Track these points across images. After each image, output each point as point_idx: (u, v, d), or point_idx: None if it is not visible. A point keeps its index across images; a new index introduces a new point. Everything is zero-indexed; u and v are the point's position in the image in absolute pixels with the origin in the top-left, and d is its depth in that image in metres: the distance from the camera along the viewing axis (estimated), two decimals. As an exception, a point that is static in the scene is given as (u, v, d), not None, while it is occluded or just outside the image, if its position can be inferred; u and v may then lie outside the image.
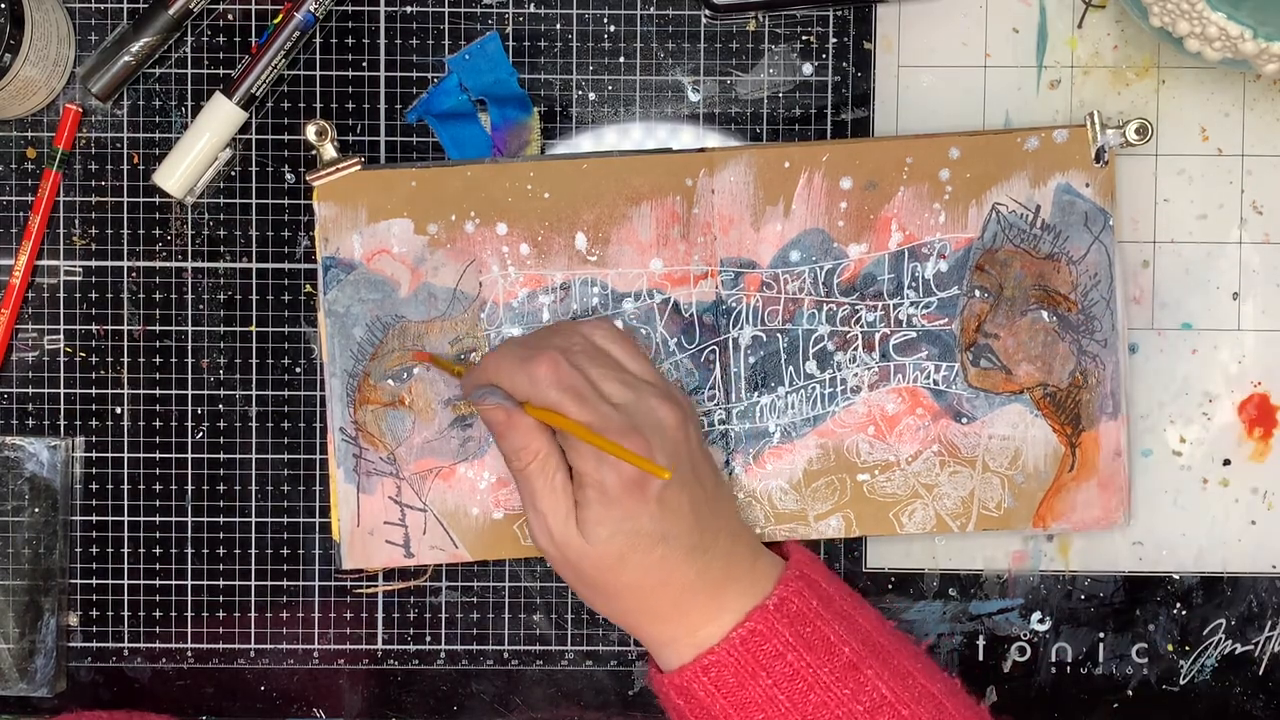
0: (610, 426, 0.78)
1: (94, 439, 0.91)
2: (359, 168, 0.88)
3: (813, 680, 0.80)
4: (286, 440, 0.91)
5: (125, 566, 0.91)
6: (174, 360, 0.91)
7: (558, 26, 0.91)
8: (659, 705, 0.84)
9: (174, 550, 0.91)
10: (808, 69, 0.91)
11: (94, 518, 0.91)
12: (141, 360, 0.91)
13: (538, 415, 0.80)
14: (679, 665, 0.81)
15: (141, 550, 0.91)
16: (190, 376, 0.91)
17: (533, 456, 0.80)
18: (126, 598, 0.91)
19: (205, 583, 0.91)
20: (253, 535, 0.91)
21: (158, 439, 0.91)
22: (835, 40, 0.91)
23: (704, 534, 0.81)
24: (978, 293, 0.89)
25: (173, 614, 0.91)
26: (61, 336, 0.91)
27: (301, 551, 0.91)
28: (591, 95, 0.91)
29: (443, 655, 0.92)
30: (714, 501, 0.83)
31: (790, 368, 0.89)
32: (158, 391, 0.91)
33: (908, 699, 0.81)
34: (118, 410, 0.91)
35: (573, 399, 0.79)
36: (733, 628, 0.81)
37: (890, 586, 0.92)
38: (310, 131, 0.88)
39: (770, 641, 0.80)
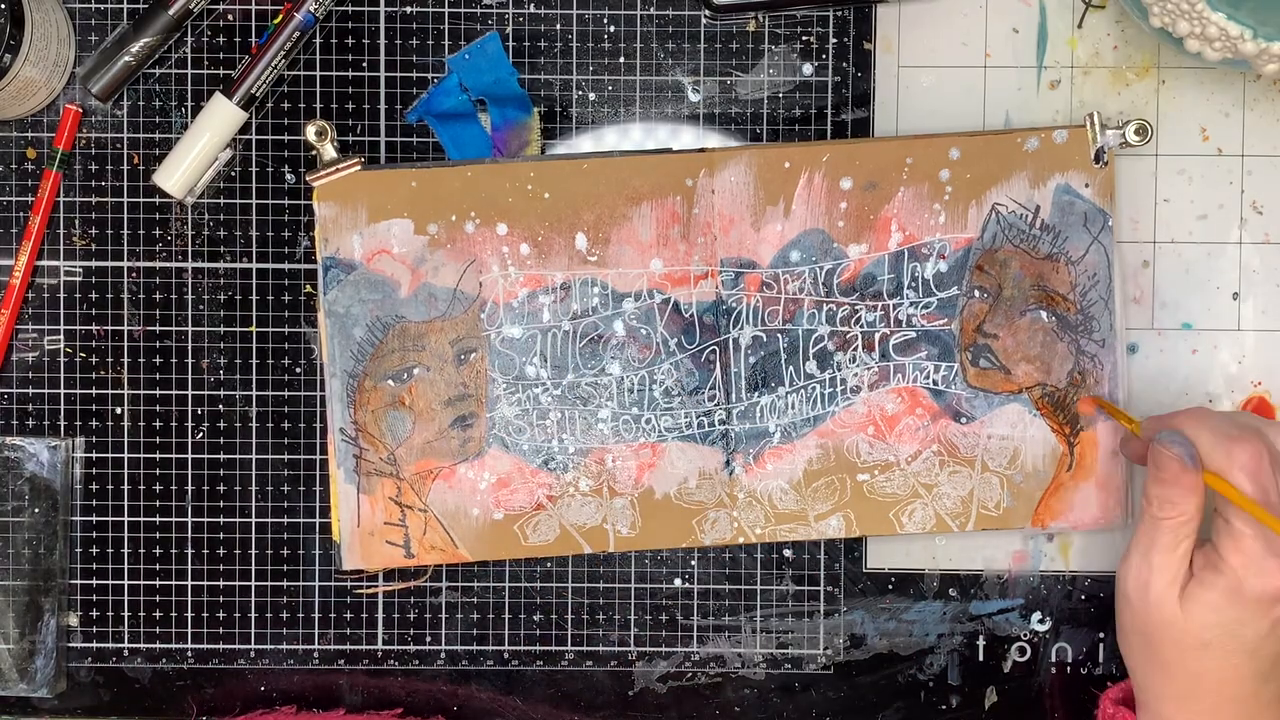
0: None
1: (94, 439, 0.91)
2: (359, 168, 0.88)
3: None
4: (286, 440, 0.91)
5: (125, 566, 0.91)
6: (174, 360, 0.91)
7: (558, 26, 0.91)
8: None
9: (174, 550, 0.91)
10: (808, 69, 0.91)
11: (94, 518, 0.91)
12: (141, 360, 0.91)
13: (1213, 481, 0.78)
14: None
15: (141, 550, 0.91)
16: (190, 376, 0.91)
17: (1176, 515, 0.79)
18: (126, 598, 0.91)
19: (205, 583, 0.91)
20: (253, 535, 0.91)
21: (158, 439, 0.91)
22: (835, 40, 0.91)
23: None
24: (977, 293, 0.89)
25: (173, 614, 0.91)
26: (61, 336, 0.91)
27: (301, 551, 0.91)
28: (591, 95, 0.91)
29: (443, 655, 0.92)
30: None
31: (790, 368, 0.89)
32: (158, 391, 0.91)
33: None
34: (118, 410, 0.91)
35: (1257, 490, 0.77)
36: None
37: (890, 586, 0.92)
38: (310, 132, 0.88)
39: None
